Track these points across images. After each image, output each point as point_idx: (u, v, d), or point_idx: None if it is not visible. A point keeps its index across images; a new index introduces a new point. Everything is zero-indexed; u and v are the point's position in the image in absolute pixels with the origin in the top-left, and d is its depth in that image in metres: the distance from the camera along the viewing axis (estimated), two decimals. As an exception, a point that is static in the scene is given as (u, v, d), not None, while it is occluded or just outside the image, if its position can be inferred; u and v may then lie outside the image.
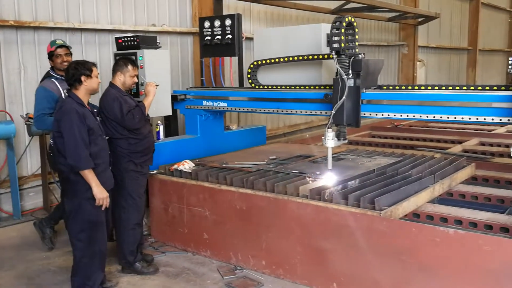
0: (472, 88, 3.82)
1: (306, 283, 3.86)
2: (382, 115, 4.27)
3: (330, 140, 4.17)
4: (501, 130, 7.85)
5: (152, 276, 4.15)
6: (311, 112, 4.77)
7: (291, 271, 3.94)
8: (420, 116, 4.05)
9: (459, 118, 3.85)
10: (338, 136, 4.25)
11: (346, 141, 4.35)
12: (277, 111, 5.03)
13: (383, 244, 3.44)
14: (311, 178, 4.20)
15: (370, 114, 4.32)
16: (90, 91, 3.68)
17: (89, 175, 3.52)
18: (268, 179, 4.25)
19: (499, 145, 6.95)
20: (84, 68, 3.61)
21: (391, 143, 7.19)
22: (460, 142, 7.15)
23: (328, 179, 4.15)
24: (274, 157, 5.14)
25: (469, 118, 3.80)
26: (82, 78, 3.59)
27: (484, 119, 3.72)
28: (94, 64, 3.70)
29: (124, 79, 4.18)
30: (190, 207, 4.54)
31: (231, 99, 5.37)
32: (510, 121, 3.60)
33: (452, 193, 4.59)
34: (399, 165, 4.70)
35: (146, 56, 4.94)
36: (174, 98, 5.52)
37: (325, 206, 3.70)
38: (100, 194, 3.57)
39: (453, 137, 7.39)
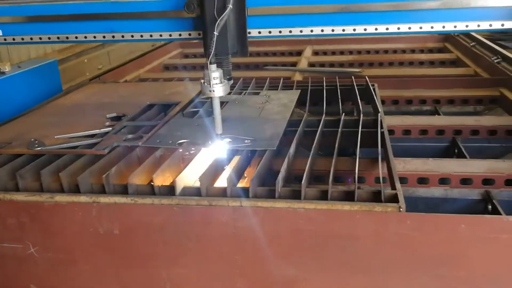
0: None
1: (258, 335, 2.26)
2: (280, 32, 2.66)
3: (218, 85, 2.40)
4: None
5: None
6: (160, 36, 2.86)
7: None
8: (354, 30, 2.58)
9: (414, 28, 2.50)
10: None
11: (231, 81, 2.67)
12: (103, 37, 2.97)
13: (403, 256, 2.04)
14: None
15: (260, 33, 2.68)
16: None
17: None
18: (149, 165, 2.31)
19: (333, 52, 6.14)
20: None
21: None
22: (291, 53, 6.12)
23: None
24: (114, 114, 3.07)
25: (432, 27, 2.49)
26: None
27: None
28: None
29: None
30: (-10, 244, 2.32)
31: (4, 22, 3.00)
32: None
33: (377, 130, 3.40)
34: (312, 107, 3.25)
35: None
36: None
37: (290, 208, 2.05)
38: None
39: (283, 48, 6.23)
